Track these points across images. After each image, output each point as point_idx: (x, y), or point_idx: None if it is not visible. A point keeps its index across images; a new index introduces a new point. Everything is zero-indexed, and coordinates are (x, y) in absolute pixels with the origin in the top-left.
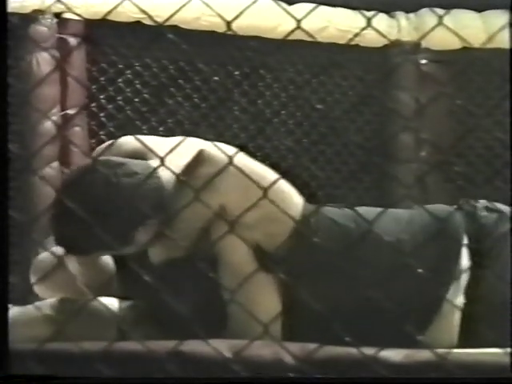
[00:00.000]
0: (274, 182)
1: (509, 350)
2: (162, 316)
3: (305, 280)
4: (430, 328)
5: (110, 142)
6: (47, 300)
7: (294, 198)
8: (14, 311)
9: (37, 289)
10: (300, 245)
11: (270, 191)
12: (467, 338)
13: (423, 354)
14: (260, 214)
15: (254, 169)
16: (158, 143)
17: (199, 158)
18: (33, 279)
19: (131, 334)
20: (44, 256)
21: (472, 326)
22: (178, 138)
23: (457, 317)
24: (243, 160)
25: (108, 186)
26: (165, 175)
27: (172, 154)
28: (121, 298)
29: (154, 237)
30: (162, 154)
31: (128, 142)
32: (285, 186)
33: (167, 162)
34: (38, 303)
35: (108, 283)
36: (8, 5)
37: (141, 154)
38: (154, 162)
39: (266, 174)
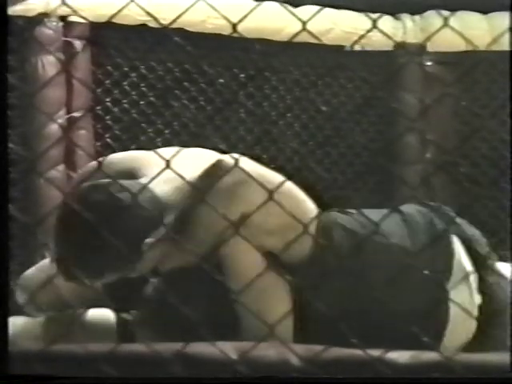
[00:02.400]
0: (289, 192)
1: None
2: (169, 324)
3: (319, 286)
4: (445, 332)
5: (96, 161)
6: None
7: (308, 206)
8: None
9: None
10: (316, 253)
11: (284, 199)
12: (483, 341)
13: (429, 356)
14: (279, 221)
15: (272, 177)
16: (149, 157)
17: (217, 168)
18: (21, 299)
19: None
20: (31, 273)
21: (487, 328)
22: (169, 149)
23: (471, 321)
24: (259, 168)
25: (104, 209)
26: (159, 189)
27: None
28: (115, 308)
29: (165, 250)
30: (155, 168)
31: (117, 160)
32: (299, 194)
33: (164, 175)
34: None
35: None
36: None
37: (132, 173)
38: (146, 180)
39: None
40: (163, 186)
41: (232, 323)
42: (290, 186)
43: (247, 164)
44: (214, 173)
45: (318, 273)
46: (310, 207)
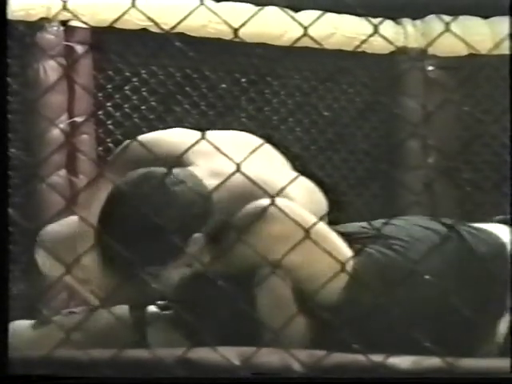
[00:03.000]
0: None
1: None
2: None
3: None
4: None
5: (136, 140)
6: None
7: (345, 252)
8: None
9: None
10: (351, 296)
11: (326, 246)
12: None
13: (431, 361)
14: (318, 268)
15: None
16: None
17: (266, 214)
18: (42, 259)
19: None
20: (54, 228)
21: None
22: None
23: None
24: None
25: (159, 198)
26: (208, 182)
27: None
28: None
29: (206, 251)
30: (201, 157)
31: (164, 142)
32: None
33: (211, 168)
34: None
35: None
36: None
37: (177, 157)
38: (194, 168)
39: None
40: (210, 179)
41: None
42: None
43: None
44: (262, 218)
45: (349, 314)
46: (347, 253)
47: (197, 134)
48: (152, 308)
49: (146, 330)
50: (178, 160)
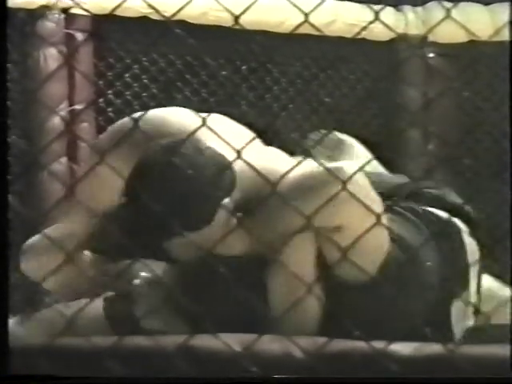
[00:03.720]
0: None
1: None
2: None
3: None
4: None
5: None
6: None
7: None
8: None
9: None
10: (383, 279)
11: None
12: (479, 332)
13: (432, 348)
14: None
15: (370, 191)
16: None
17: (316, 178)
18: (26, 266)
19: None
20: (37, 238)
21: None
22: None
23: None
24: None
25: (186, 165)
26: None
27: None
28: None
29: (233, 221)
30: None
31: (175, 122)
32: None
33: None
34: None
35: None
36: None
37: (188, 131)
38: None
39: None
40: (227, 153)
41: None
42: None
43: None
44: (314, 182)
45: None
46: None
47: (194, 115)
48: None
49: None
50: (189, 136)
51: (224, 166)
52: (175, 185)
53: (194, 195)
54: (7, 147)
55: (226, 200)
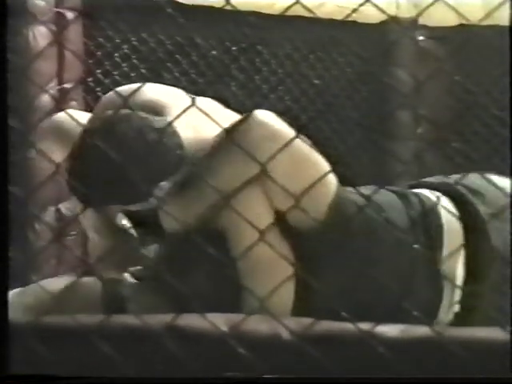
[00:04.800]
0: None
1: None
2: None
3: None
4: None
5: (136, 86)
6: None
7: (330, 178)
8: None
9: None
10: (328, 223)
11: (312, 166)
12: (466, 316)
13: (420, 330)
14: (299, 186)
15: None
16: (177, 97)
17: (250, 122)
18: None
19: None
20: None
21: (471, 303)
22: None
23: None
24: (287, 129)
25: (132, 139)
26: (182, 133)
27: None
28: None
29: (173, 197)
30: (181, 108)
31: (142, 92)
32: (324, 164)
33: (188, 120)
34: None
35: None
36: None
37: (159, 108)
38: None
39: (311, 150)
40: (186, 131)
41: (234, 295)
42: (314, 153)
43: (276, 122)
44: (244, 125)
45: (325, 243)
46: (332, 180)
47: (172, 89)
48: (128, 279)
49: (124, 304)
50: (156, 110)
51: (174, 146)
52: (115, 156)
53: (134, 170)
54: (7, 148)
55: (163, 183)
